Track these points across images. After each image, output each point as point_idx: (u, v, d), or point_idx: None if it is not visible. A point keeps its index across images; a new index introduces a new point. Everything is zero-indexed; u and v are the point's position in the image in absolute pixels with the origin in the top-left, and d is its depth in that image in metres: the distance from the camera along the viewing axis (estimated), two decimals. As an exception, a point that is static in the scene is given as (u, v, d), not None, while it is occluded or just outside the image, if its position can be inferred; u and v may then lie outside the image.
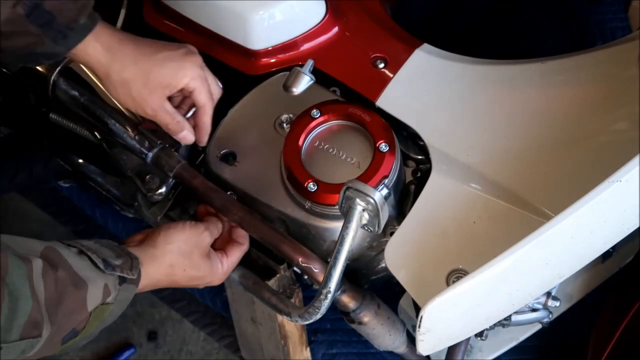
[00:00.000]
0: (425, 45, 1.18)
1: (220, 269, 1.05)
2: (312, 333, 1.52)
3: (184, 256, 1.01)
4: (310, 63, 1.15)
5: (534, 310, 1.19)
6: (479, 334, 1.20)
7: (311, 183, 1.04)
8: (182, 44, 1.06)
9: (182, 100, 1.09)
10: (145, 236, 1.02)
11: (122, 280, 0.91)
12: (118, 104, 1.11)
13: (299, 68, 1.14)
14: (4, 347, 0.75)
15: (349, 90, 1.16)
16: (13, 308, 0.76)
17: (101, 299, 0.87)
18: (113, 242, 0.96)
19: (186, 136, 1.07)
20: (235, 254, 1.07)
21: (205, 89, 1.06)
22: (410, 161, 1.13)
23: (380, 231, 1.00)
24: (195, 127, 1.09)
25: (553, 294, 1.17)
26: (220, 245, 1.08)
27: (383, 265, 1.07)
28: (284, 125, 1.13)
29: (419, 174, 1.13)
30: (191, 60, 1.04)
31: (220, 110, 1.17)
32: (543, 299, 1.16)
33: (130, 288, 0.93)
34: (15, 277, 0.77)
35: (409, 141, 1.14)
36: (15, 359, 0.78)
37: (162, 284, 1.01)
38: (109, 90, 1.03)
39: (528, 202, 1.02)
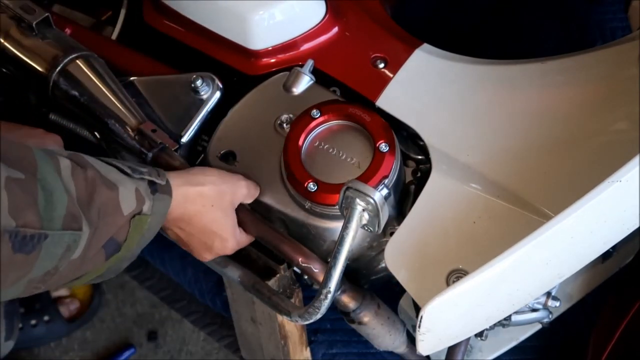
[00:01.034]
0: (425, 45, 1.18)
1: (239, 234, 1.04)
2: (312, 333, 1.52)
3: (215, 192, 0.98)
4: (310, 63, 1.15)
5: (534, 310, 1.18)
6: (479, 334, 1.20)
7: (311, 183, 1.04)
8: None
9: None
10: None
11: (154, 188, 0.89)
12: None
13: (299, 68, 1.15)
14: (50, 235, 0.73)
15: (349, 90, 1.16)
16: (50, 200, 0.73)
17: (135, 205, 0.85)
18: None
19: None
20: (248, 235, 1.06)
21: None
22: (410, 161, 1.13)
23: (380, 231, 1.00)
24: None
25: (553, 294, 1.17)
26: None
27: (383, 265, 1.07)
28: (284, 125, 1.13)
29: (419, 174, 1.12)
30: (52, 138, 1.02)
31: (220, 110, 1.17)
32: (543, 299, 1.16)
33: (164, 198, 0.91)
34: (45, 172, 0.75)
35: (409, 141, 1.14)
36: (61, 256, 0.76)
37: (190, 211, 0.97)
38: None
39: (528, 202, 1.02)
